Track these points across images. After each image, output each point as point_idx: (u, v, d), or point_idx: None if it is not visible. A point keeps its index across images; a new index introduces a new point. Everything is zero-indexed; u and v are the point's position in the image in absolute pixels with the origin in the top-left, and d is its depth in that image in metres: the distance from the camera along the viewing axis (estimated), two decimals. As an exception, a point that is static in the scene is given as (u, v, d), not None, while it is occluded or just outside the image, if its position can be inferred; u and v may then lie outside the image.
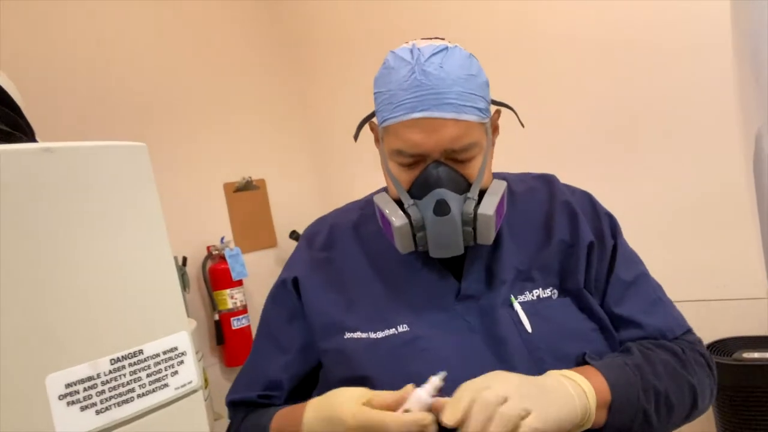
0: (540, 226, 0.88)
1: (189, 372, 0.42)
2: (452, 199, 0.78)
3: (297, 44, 2.71)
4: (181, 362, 0.41)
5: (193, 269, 2.24)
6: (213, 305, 2.25)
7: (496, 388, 0.67)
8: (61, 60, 1.96)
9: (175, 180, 2.17)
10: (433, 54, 0.77)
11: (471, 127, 0.78)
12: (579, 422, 0.70)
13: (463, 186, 0.80)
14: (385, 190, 0.95)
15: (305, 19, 2.67)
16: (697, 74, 1.81)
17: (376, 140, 0.88)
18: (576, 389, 0.71)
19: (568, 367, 0.77)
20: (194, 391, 0.43)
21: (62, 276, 0.37)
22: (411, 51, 0.79)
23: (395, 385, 0.75)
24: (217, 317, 2.25)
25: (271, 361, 0.89)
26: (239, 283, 2.27)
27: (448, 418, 0.65)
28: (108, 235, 0.39)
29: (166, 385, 0.40)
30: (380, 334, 0.82)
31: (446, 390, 0.73)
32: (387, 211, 0.81)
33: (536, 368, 0.76)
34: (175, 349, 0.41)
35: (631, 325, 0.84)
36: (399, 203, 0.82)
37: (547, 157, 1.79)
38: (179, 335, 0.41)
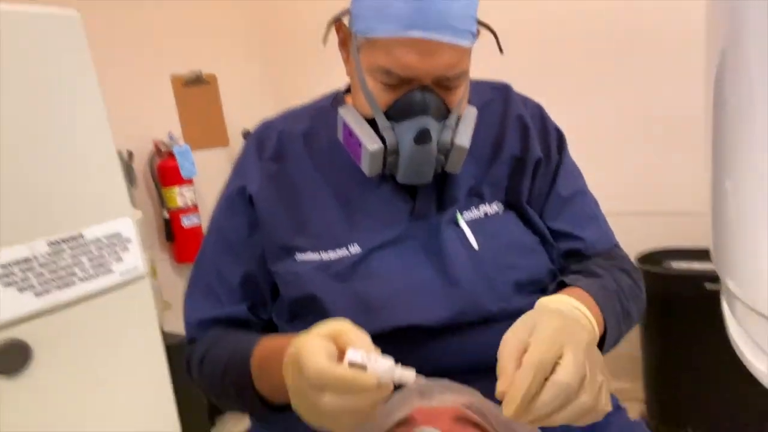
0: (493, 140, 0.86)
1: (134, 258, 0.41)
2: (434, 128, 0.74)
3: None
4: (125, 248, 0.40)
5: (139, 164, 2.16)
6: (162, 202, 2.20)
7: (573, 365, 0.53)
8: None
9: (116, 67, 2.04)
10: None
11: (465, 53, 0.73)
12: None
13: (443, 113, 0.76)
14: (335, 96, 0.89)
15: None
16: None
17: (343, 44, 0.80)
18: (585, 320, 0.66)
19: (514, 276, 0.78)
20: (140, 278, 0.42)
21: (-10, 152, 0.35)
22: None
23: (342, 304, 0.75)
24: (166, 214, 2.21)
25: (245, 275, 0.84)
26: (189, 181, 2.22)
27: (503, 390, 0.54)
28: (40, 109, 0.36)
29: (109, 271, 0.39)
30: (332, 255, 0.79)
31: (388, 310, 0.73)
32: (359, 133, 0.75)
33: (482, 283, 0.77)
34: (119, 235, 0.40)
35: (566, 237, 0.86)
36: (371, 122, 0.76)
37: (503, 67, 1.77)
38: (122, 221, 0.39)
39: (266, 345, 0.72)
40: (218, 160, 2.47)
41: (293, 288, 0.80)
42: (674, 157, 1.89)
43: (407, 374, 0.55)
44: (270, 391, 0.70)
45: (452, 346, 0.77)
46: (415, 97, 0.73)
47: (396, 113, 0.74)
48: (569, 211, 0.87)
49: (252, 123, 0.99)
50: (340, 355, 0.55)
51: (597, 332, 0.67)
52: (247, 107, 2.52)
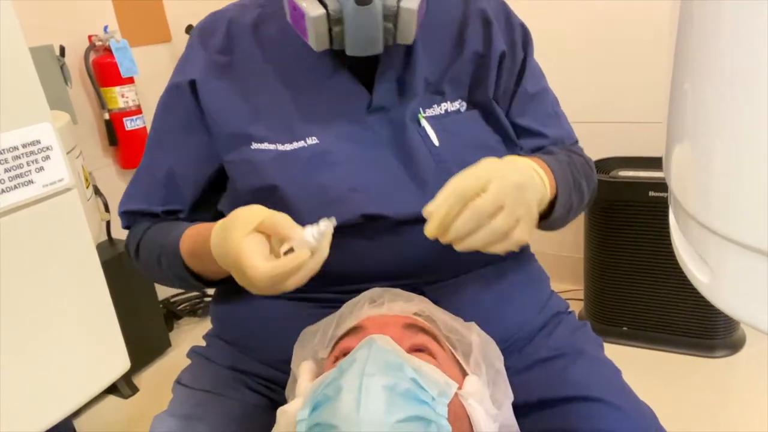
0: (453, 35, 0.84)
1: (58, 168, 0.37)
2: None
3: None
4: (47, 157, 0.36)
5: (74, 61, 2.00)
6: (101, 103, 2.07)
7: (492, 193, 0.61)
8: None
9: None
10: None
11: None
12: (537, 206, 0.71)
13: None
14: None
15: None
16: None
17: None
18: (537, 177, 0.70)
19: None
20: (67, 189, 0.39)
21: None
22: None
23: (305, 196, 0.75)
24: (107, 116, 2.09)
25: (168, 172, 0.84)
26: (130, 80, 2.08)
27: (430, 211, 0.62)
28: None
29: (30, 182, 0.36)
30: (288, 147, 0.77)
31: (350, 200, 0.73)
32: (301, 2, 0.71)
33: (443, 178, 0.76)
34: (38, 142, 0.36)
35: (532, 134, 0.87)
36: None
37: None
38: (40, 127, 0.35)
39: (191, 242, 0.77)
40: (160, 57, 2.31)
41: (252, 178, 0.78)
42: (627, 68, 1.88)
43: (324, 224, 0.62)
44: (212, 273, 0.77)
45: (415, 238, 0.77)
46: None
47: None
48: (535, 109, 0.88)
49: (196, 18, 0.92)
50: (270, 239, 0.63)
51: (548, 191, 0.71)
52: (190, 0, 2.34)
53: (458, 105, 0.83)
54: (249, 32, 0.83)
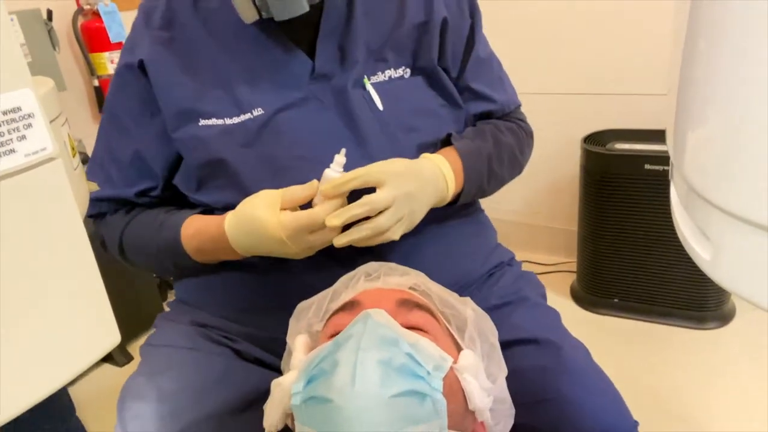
0: (394, 4, 0.85)
1: (41, 137, 0.36)
2: None
3: None
4: (29, 125, 0.35)
5: (62, 26, 1.95)
6: (90, 69, 2.03)
7: (384, 193, 0.70)
8: None
9: None
10: None
11: None
12: (433, 206, 0.79)
13: None
14: None
15: None
16: None
17: None
18: (442, 181, 0.78)
19: (417, 139, 0.83)
20: (51, 159, 0.37)
21: None
22: None
23: (252, 167, 0.77)
24: (96, 83, 2.04)
25: (135, 154, 0.83)
26: (119, 45, 2.03)
27: (329, 191, 0.70)
28: None
29: (12, 151, 0.34)
30: (235, 120, 0.78)
31: (296, 170, 0.77)
32: None
33: (389, 141, 0.81)
34: (19, 109, 0.34)
35: (482, 98, 0.91)
36: None
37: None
38: (21, 93, 0.34)
39: (197, 241, 0.80)
40: (151, 23, 2.26)
41: (200, 153, 0.80)
42: (624, 40, 1.85)
43: (337, 157, 0.73)
44: (220, 261, 0.81)
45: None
46: None
47: None
48: (486, 73, 0.92)
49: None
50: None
51: (449, 191, 0.80)
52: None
53: (402, 71, 0.85)
54: (189, 6, 0.83)
